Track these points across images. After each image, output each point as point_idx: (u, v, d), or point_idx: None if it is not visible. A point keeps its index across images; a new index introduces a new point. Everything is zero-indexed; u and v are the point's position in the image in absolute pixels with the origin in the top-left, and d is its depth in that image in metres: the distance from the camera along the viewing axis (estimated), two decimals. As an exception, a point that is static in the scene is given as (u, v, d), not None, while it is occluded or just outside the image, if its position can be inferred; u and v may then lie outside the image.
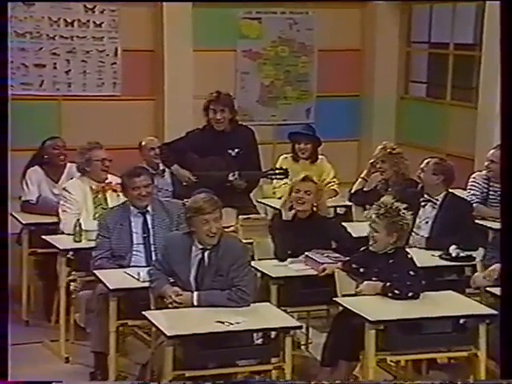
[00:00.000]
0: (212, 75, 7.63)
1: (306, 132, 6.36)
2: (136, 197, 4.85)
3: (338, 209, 6.25)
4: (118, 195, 5.24)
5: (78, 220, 5.17)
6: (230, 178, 5.82)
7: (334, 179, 6.38)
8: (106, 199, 5.35)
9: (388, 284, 4.27)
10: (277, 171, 5.88)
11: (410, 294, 4.25)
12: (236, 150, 5.99)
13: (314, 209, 4.98)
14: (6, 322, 3.47)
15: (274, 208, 5.89)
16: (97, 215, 5.21)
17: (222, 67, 7.74)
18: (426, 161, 5.34)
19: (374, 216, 4.30)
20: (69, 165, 5.97)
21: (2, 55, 3.56)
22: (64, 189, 5.42)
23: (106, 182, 5.43)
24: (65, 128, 7.25)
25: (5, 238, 3.52)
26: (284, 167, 6.01)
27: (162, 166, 6.33)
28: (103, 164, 5.42)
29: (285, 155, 6.50)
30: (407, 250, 4.47)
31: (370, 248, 4.37)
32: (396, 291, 4.25)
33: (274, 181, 6.17)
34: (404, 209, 4.36)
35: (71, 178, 5.84)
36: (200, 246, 4.25)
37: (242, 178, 5.83)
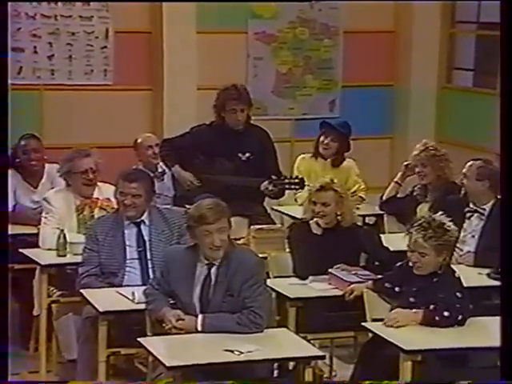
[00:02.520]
0: (219, 61, 7.67)
1: (339, 129, 6.36)
2: (121, 203, 4.87)
3: (366, 218, 6.26)
4: (108, 213, 5.24)
5: (62, 231, 5.21)
6: (264, 187, 5.82)
7: (361, 186, 6.39)
8: (92, 217, 5.35)
9: (432, 307, 4.24)
10: (291, 180, 5.89)
11: (460, 317, 4.25)
12: (247, 155, 6.01)
13: (339, 218, 5.00)
14: (6, 319, 3.64)
15: (292, 217, 5.91)
16: (80, 235, 5.23)
17: (231, 52, 7.78)
18: (468, 164, 5.33)
19: (420, 240, 4.28)
20: (47, 166, 5.99)
21: (2, 55, 3.82)
22: (45, 199, 5.44)
23: (93, 197, 5.42)
24: (47, 123, 7.31)
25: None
26: (300, 176, 5.99)
27: (160, 168, 6.37)
28: (85, 177, 5.37)
29: (303, 155, 6.52)
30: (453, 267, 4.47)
31: (414, 271, 4.36)
32: (445, 313, 4.20)
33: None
34: (449, 221, 4.37)
35: (51, 183, 5.88)
36: (206, 262, 4.27)
37: (276, 186, 5.84)
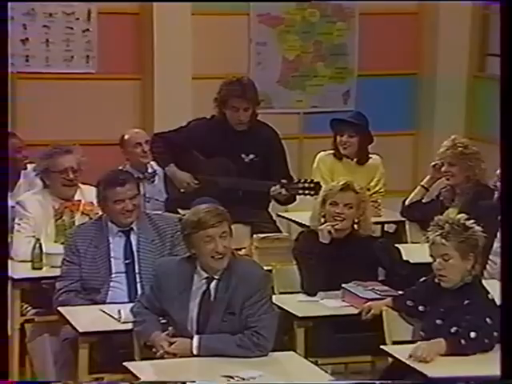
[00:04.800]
0: (217, 47, 7.68)
1: (353, 120, 6.39)
2: (119, 212, 4.87)
3: (385, 226, 6.27)
4: (91, 218, 5.26)
5: (38, 240, 5.22)
6: (275, 191, 5.82)
7: (381, 189, 6.42)
8: (73, 223, 5.37)
9: (454, 329, 4.23)
10: (305, 185, 5.89)
11: (487, 341, 4.24)
12: (251, 156, 6.02)
13: (355, 226, 5.01)
14: (6, 319, 3.76)
15: (301, 224, 5.92)
16: (59, 244, 5.24)
17: (231, 36, 7.79)
18: None
19: (438, 238, 4.29)
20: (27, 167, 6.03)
21: (3, 56, 3.97)
22: (18, 203, 5.46)
23: (74, 200, 5.43)
24: (21, 116, 7.31)
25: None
26: (316, 179, 5.98)
27: (150, 169, 6.38)
28: (65, 177, 5.40)
29: (322, 153, 6.51)
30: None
31: (442, 284, 4.35)
32: (472, 334, 4.19)
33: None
34: (466, 219, 4.38)
35: (29, 185, 5.89)
36: (204, 275, 4.27)
37: (289, 190, 5.84)
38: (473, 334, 4.21)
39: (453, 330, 4.25)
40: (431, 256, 4.37)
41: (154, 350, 4.23)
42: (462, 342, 4.20)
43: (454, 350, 4.20)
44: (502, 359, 3.75)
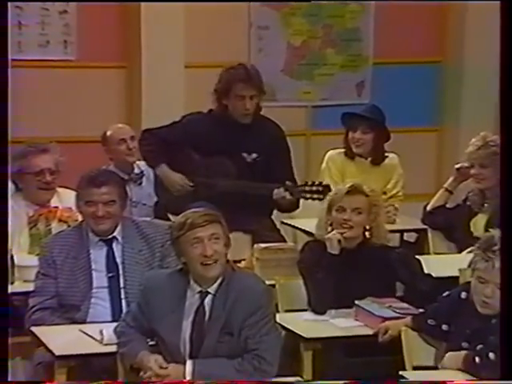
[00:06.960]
0: (213, 32, 7.70)
1: (367, 114, 6.40)
2: (90, 216, 4.88)
3: (405, 234, 6.26)
4: (69, 226, 5.27)
5: (10, 251, 5.22)
6: (278, 195, 5.84)
7: (399, 192, 6.43)
8: (49, 231, 5.39)
9: (479, 347, 4.23)
10: (313, 188, 5.90)
11: None
12: (253, 156, 6.04)
13: (367, 234, 5.02)
14: (7, 319, 3.84)
15: (308, 233, 5.92)
16: (33, 255, 5.25)
17: (229, 20, 7.81)
18: None
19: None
20: None
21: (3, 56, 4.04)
22: None
23: (51, 205, 5.45)
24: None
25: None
26: (325, 182, 5.99)
27: (137, 169, 6.39)
28: (40, 179, 5.42)
29: (332, 152, 6.52)
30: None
31: (482, 310, 4.31)
32: (491, 355, 4.16)
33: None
34: None
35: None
36: (198, 289, 4.28)
37: (294, 194, 5.85)
38: (491, 355, 4.20)
39: (478, 347, 4.25)
40: (482, 278, 4.28)
41: (141, 373, 4.23)
42: (477, 360, 4.21)
43: (466, 368, 4.22)
44: (501, 359, 3.84)
